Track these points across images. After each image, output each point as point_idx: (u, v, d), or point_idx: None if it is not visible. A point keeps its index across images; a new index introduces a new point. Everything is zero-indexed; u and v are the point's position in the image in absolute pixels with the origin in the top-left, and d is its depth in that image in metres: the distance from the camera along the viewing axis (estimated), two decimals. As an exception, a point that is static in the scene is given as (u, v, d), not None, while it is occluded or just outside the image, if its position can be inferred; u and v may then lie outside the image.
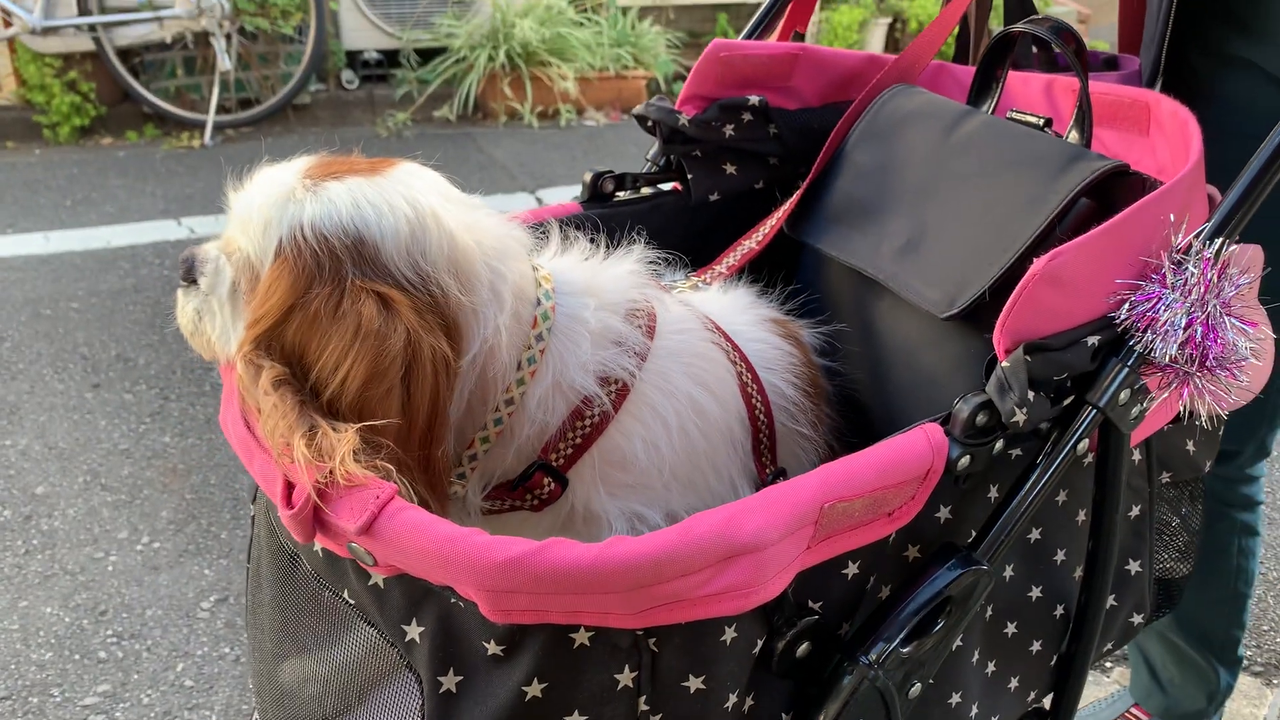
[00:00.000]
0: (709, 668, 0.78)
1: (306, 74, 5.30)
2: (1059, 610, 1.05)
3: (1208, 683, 1.61)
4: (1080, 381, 0.90)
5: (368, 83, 5.84)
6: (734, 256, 1.29)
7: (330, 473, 0.75)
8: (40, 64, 4.99)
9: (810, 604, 0.84)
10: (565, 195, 1.24)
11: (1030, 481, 0.90)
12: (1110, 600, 1.10)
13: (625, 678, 0.76)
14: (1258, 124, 0.99)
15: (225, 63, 5.04)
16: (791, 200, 1.28)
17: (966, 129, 1.14)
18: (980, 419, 0.84)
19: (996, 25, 1.30)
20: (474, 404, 0.95)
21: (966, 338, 1.06)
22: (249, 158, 0.96)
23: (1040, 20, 1.11)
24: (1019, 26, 1.13)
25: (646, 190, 1.36)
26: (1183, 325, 0.87)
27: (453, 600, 0.75)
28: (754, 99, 1.34)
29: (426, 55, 5.80)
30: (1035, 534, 1.00)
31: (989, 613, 0.99)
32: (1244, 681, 1.98)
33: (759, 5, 1.47)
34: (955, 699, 0.97)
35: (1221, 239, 0.90)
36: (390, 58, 5.86)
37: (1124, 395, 0.90)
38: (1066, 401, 0.90)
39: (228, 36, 5.11)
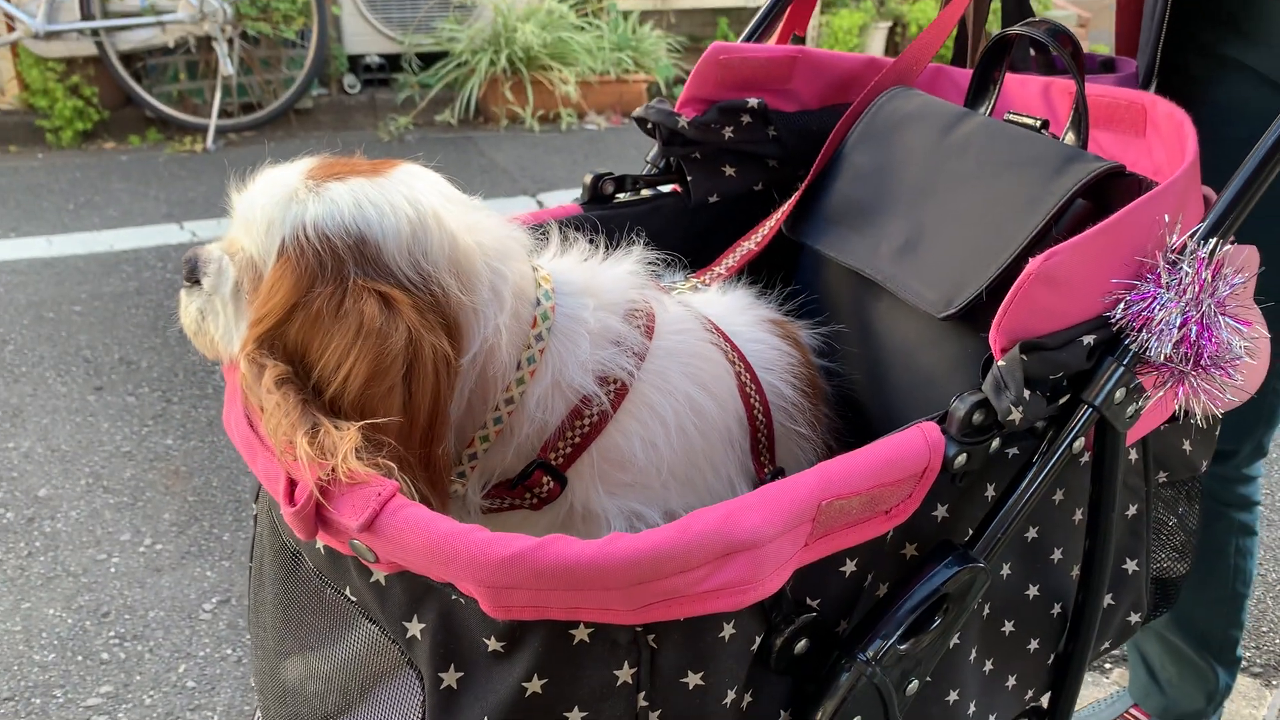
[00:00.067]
0: (707, 664, 0.78)
1: (308, 78, 5.31)
2: (1056, 609, 1.06)
3: (1206, 683, 1.61)
4: (1076, 380, 0.91)
5: (369, 87, 5.85)
6: (733, 258, 1.29)
7: (332, 470, 0.76)
8: (43, 68, 5.01)
9: (808, 601, 0.84)
10: (566, 199, 1.25)
11: (1027, 480, 0.91)
12: (1107, 599, 1.10)
13: (624, 674, 0.77)
14: (1252, 126, 0.99)
15: (227, 67, 5.06)
16: (790, 202, 1.28)
17: (964, 131, 1.15)
18: (977, 418, 0.85)
19: (995, 28, 1.31)
20: (474, 403, 0.96)
21: (964, 338, 1.07)
22: (251, 162, 0.97)
23: (1037, 23, 1.12)
24: (1016, 29, 1.13)
25: (646, 192, 1.37)
26: (1177, 324, 0.88)
27: (453, 597, 0.75)
28: (753, 101, 1.35)
29: (428, 59, 5.82)
30: (1032, 533, 1.01)
31: (986, 611, 1.00)
32: (1243, 682, 1.99)
33: (760, 9, 1.48)
34: (953, 697, 0.98)
35: (1216, 239, 0.91)
36: (392, 62, 5.87)
37: (1120, 394, 0.90)
38: (1062, 400, 0.91)
39: (230, 41, 5.13)
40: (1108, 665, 2.04)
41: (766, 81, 1.37)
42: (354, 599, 0.82)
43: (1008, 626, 1.02)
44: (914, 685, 0.88)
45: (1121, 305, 0.90)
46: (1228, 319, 0.89)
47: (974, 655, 1.00)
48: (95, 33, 4.94)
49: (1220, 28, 1.25)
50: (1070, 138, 1.10)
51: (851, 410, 1.22)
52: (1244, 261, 0.95)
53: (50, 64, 5.03)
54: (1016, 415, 0.84)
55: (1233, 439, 1.41)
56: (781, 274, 1.33)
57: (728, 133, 1.35)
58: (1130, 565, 1.13)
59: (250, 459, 0.85)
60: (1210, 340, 0.88)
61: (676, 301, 1.13)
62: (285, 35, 5.30)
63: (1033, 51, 1.41)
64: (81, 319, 3.38)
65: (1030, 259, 0.86)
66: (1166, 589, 1.23)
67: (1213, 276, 0.89)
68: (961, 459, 0.85)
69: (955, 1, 1.28)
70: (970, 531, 0.92)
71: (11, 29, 4.94)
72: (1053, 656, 1.09)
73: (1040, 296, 0.86)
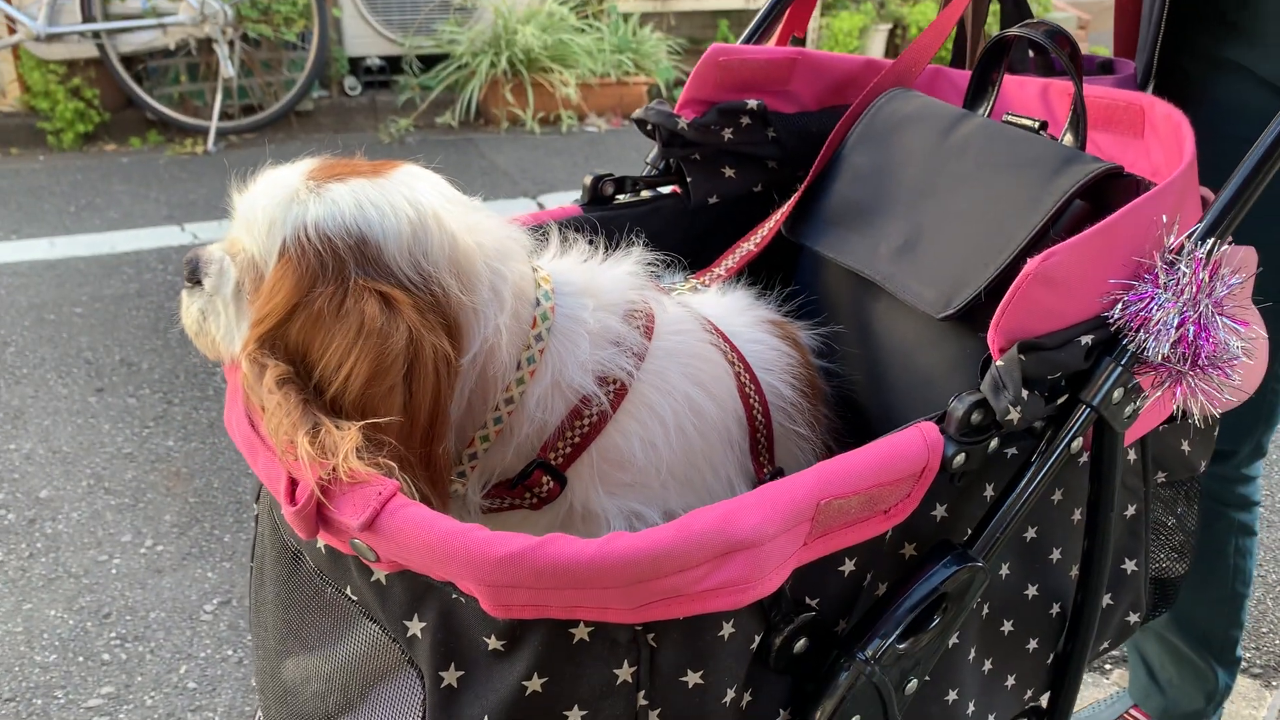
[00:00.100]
0: (707, 663, 0.79)
1: (309, 80, 5.32)
2: (1055, 609, 1.06)
3: (1206, 683, 1.61)
4: (1074, 380, 0.91)
5: (370, 89, 5.86)
6: (732, 259, 1.30)
7: (333, 470, 0.76)
8: (44, 70, 5.02)
9: (807, 600, 0.85)
10: (566, 200, 1.25)
11: (1025, 480, 0.91)
12: (1106, 599, 1.11)
13: (624, 673, 0.77)
14: (1249, 126, 1.00)
15: (228, 69, 5.07)
16: (789, 203, 1.29)
17: (963, 132, 1.15)
18: (975, 417, 0.85)
19: (994, 30, 1.31)
20: (474, 403, 0.96)
21: (963, 338, 1.07)
22: (252, 164, 0.98)
23: (1035, 24, 1.12)
24: (1014, 31, 1.14)
25: (646, 193, 1.38)
26: (1175, 324, 0.88)
27: (454, 596, 0.76)
28: (752, 103, 1.35)
29: (429, 62, 5.82)
30: (1031, 533, 1.01)
31: (985, 611, 1.00)
32: (1243, 683, 1.99)
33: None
34: (952, 696, 0.98)
35: (1213, 239, 0.91)
36: (393, 64, 5.88)
37: (1117, 394, 0.91)
38: (1061, 400, 0.91)
39: (231, 43, 5.14)
40: (1108, 666, 2.05)
41: (766, 83, 1.37)
42: (355, 598, 0.83)
43: (1007, 626, 1.03)
44: (913, 684, 0.88)
45: (1119, 305, 0.90)
46: (1225, 319, 0.90)
47: (973, 655, 1.00)
48: (96, 35, 4.95)
49: (1217, 29, 1.26)
50: (1068, 139, 1.11)
51: (851, 411, 1.22)
52: (1241, 262, 0.95)
53: (51, 66, 5.04)
54: (1014, 415, 0.85)
55: (1232, 439, 1.41)
56: (781, 275, 1.33)
57: (727, 134, 1.35)
58: (1129, 565, 1.13)
59: (251, 459, 0.85)
60: (1207, 340, 0.89)
61: (676, 302, 1.14)
62: (286, 37, 5.31)
63: (1031, 53, 1.41)
64: (83, 321, 3.39)
65: (1028, 259, 0.86)
66: (1165, 589, 1.24)
67: (1210, 277, 0.89)
68: (960, 459, 0.85)
69: (954, 3, 1.29)
70: (969, 531, 0.92)
71: (13, 31, 4.95)
72: (1052, 656, 1.09)
73: (1038, 296, 0.87)
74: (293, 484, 0.78)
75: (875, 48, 6.58)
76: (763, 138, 1.38)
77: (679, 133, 1.33)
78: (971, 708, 1.02)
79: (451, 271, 0.92)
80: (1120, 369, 0.90)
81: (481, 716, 0.76)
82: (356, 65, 5.82)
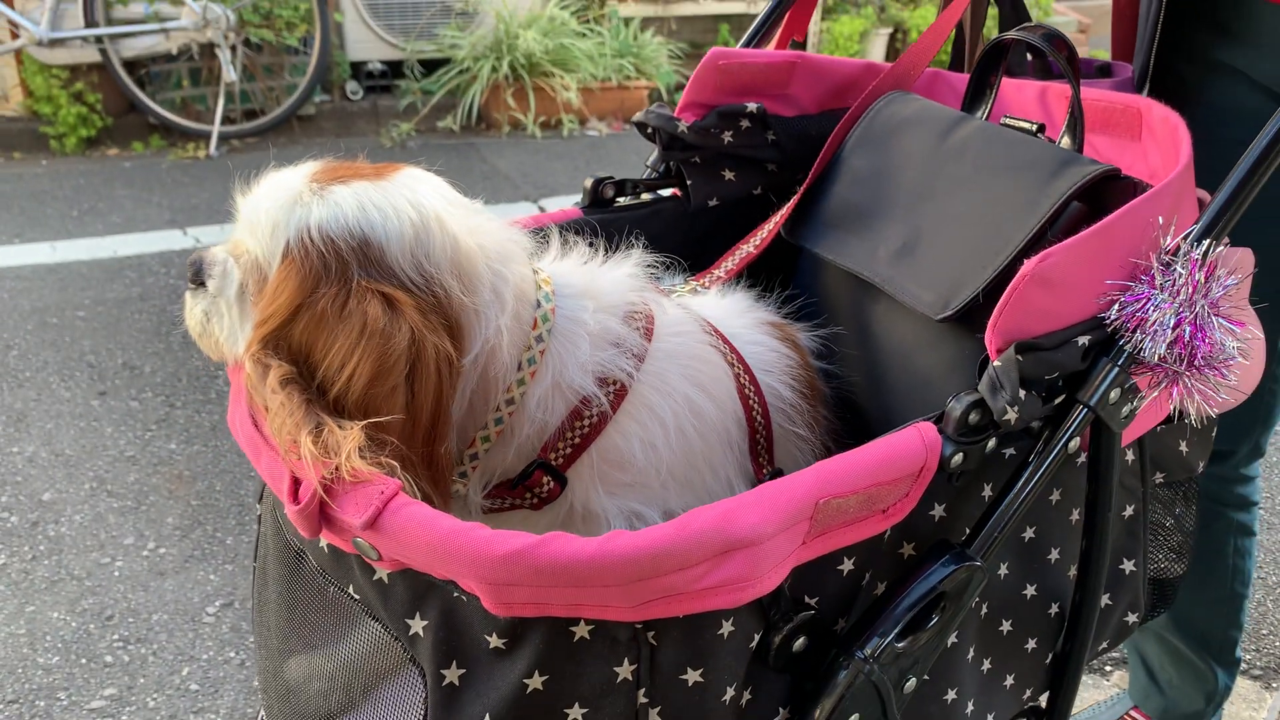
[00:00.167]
0: (707, 661, 0.79)
1: (311, 85, 5.33)
2: (1054, 608, 1.07)
3: (1205, 683, 1.62)
4: (1071, 380, 0.92)
5: (372, 93, 5.87)
6: (732, 261, 1.30)
7: (336, 469, 0.77)
8: (47, 75, 5.03)
9: (806, 599, 0.85)
10: (567, 204, 1.26)
11: (1023, 479, 0.92)
12: (1105, 599, 1.11)
13: (625, 670, 0.77)
14: (1243, 129, 1.00)
15: (230, 74, 5.08)
16: (789, 205, 1.29)
17: (961, 135, 1.16)
18: (973, 417, 0.86)
19: (992, 34, 1.32)
20: (475, 403, 0.97)
21: (961, 339, 1.08)
22: (254, 168, 0.98)
23: (1033, 28, 1.13)
24: (1012, 34, 1.14)
25: (646, 196, 1.39)
26: (1171, 325, 0.89)
27: (455, 594, 0.76)
28: (752, 106, 1.36)
29: (430, 66, 5.84)
30: (1029, 533, 1.01)
31: (984, 610, 1.00)
32: (1243, 685, 1.99)
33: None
34: (951, 695, 0.99)
35: (1209, 240, 0.92)
36: (394, 69, 5.89)
37: (1114, 394, 0.91)
38: (1058, 400, 0.92)
39: (233, 48, 5.15)
40: (1108, 668, 2.05)
41: (765, 86, 1.38)
42: (357, 597, 0.83)
43: (1005, 626, 1.03)
44: (912, 683, 0.88)
45: (1116, 306, 0.91)
46: (1221, 320, 0.90)
47: (972, 654, 1.01)
48: (99, 40, 4.96)
49: (1211, 32, 1.26)
50: (1066, 141, 1.11)
51: (850, 412, 1.23)
52: (1237, 263, 0.96)
53: (54, 71, 5.05)
54: (1012, 415, 0.85)
55: (1230, 439, 1.42)
56: (780, 277, 1.34)
57: (727, 137, 1.36)
58: (1127, 565, 1.13)
59: (255, 458, 0.86)
60: (1204, 341, 0.89)
61: (676, 304, 1.14)
62: (288, 42, 5.32)
63: (1030, 56, 1.42)
64: (85, 324, 3.40)
65: (1026, 260, 0.87)
66: (1164, 589, 1.24)
67: (1206, 278, 0.90)
68: (958, 458, 0.86)
69: (952, 6, 1.30)
70: (967, 531, 0.92)
71: (16, 36, 4.96)
72: (1050, 656, 1.09)
73: (1035, 297, 0.87)
74: (296, 483, 0.79)
75: (876, 52, 6.59)
76: (762, 141, 1.39)
77: (679, 136, 1.34)
78: (970, 707, 1.02)
79: (453, 273, 0.93)
80: (1117, 369, 0.91)
81: (483, 714, 0.77)
82: (358, 70, 5.83)
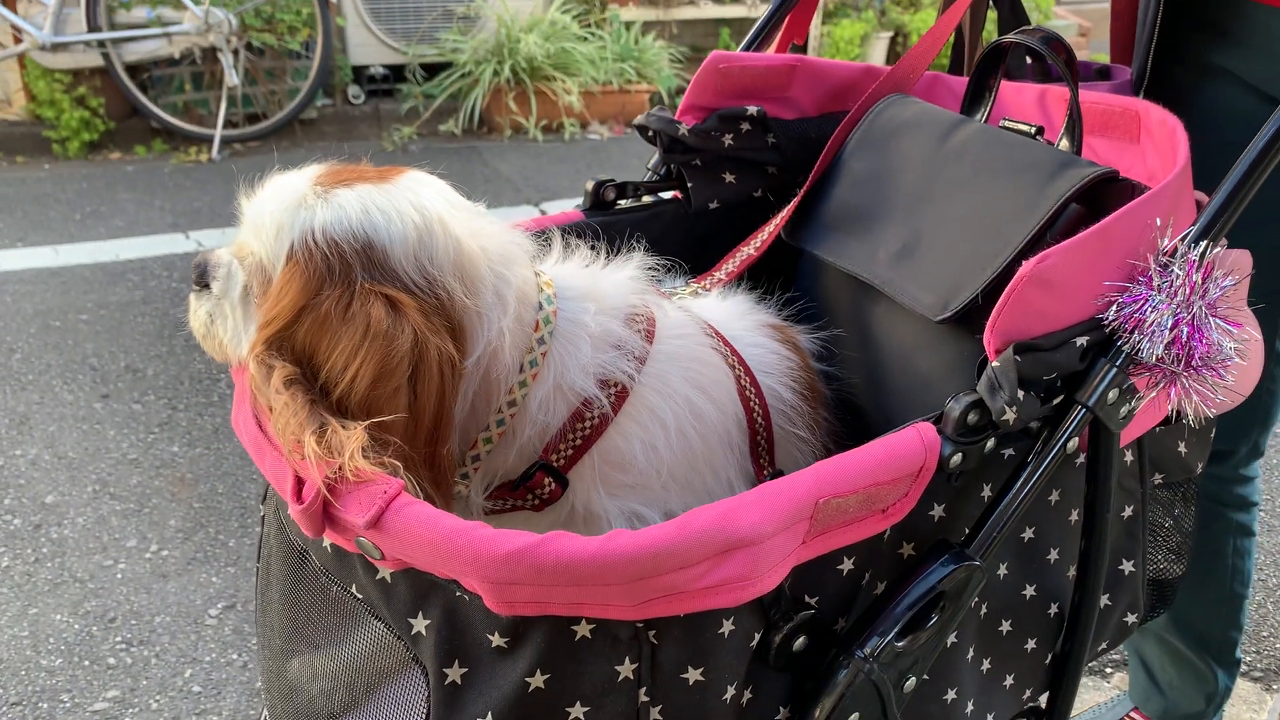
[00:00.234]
0: (707, 660, 0.79)
1: (313, 89, 5.35)
2: (1053, 609, 1.07)
3: (1206, 684, 1.62)
4: (1070, 381, 0.92)
5: (374, 97, 5.89)
6: (733, 263, 1.31)
7: (339, 468, 0.77)
8: (50, 79, 5.05)
9: (806, 599, 0.86)
10: (569, 207, 1.27)
11: (1022, 480, 0.92)
12: (1104, 600, 1.11)
13: (626, 669, 0.78)
14: (1238, 131, 1.01)
15: (233, 78, 5.09)
16: (789, 207, 1.30)
17: (960, 137, 1.16)
18: (971, 418, 0.86)
19: (992, 37, 1.33)
20: (478, 404, 0.98)
21: (960, 341, 1.08)
22: (256, 172, 0.99)
23: (1032, 31, 1.14)
24: (1010, 37, 1.15)
25: (647, 198, 1.39)
26: (1169, 326, 0.89)
27: (458, 593, 0.77)
28: (752, 109, 1.37)
29: (432, 70, 5.85)
30: (1029, 533, 1.02)
31: (984, 610, 1.01)
32: (1244, 687, 1.99)
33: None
34: (951, 695, 0.99)
35: (1206, 242, 0.92)
36: (396, 73, 5.91)
37: (1112, 394, 0.92)
38: (1056, 401, 0.92)
39: (235, 52, 5.16)
40: (1108, 669, 2.05)
41: (766, 89, 1.39)
42: (360, 596, 0.84)
43: (1005, 626, 1.03)
44: (911, 683, 0.89)
45: (1114, 307, 0.91)
46: (1218, 320, 0.91)
47: (971, 654, 1.01)
48: (102, 44, 4.98)
49: (1204, 33, 1.27)
50: (1065, 144, 1.12)
51: (850, 413, 1.23)
52: (1235, 264, 0.96)
53: (57, 75, 5.07)
54: (1010, 415, 0.86)
55: (1229, 440, 1.42)
56: (781, 279, 1.34)
57: (727, 140, 1.37)
58: (1126, 566, 1.14)
59: (258, 458, 0.87)
60: (1201, 341, 0.90)
61: (677, 306, 1.15)
62: (290, 46, 5.34)
63: (1029, 60, 1.42)
64: (88, 328, 3.41)
65: (1024, 262, 0.87)
66: (1163, 590, 1.24)
67: (1203, 279, 0.90)
68: (957, 459, 0.86)
69: (951, 10, 1.30)
70: (966, 531, 0.93)
71: (19, 40, 4.98)
72: (1050, 656, 1.10)
73: (1034, 298, 0.88)
74: (299, 483, 0.79)
75: (877, 55, 6.60)
76: (763, 143, 1.39)
77: (680, 139, 1.34)
78: (970, 707, 1.02)
79: (456, 275, 0.94)
80: (1115, 370, 0.91)
81: (485, 713, 0.77)
82: (360, 74, 5.85)
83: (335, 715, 0.89)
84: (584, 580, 0.72)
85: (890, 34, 6.68)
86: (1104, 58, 1.46)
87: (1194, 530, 1.23)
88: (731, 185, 1.41)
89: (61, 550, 2.34)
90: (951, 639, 0.96)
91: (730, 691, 0.82)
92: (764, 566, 0.76)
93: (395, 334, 0.87)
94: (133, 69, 5.15)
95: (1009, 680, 1.07)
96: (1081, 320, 0.92)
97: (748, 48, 1.47)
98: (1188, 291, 0.90)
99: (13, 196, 4.59)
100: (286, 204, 0.92)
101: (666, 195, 1.41)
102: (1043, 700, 1.13)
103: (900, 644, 0.86)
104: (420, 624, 0.79)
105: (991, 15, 1.51)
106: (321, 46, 5.28)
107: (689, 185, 1.39)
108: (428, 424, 0.88)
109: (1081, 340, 0.90)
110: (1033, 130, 1.14)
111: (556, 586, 0.72)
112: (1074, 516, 1.04)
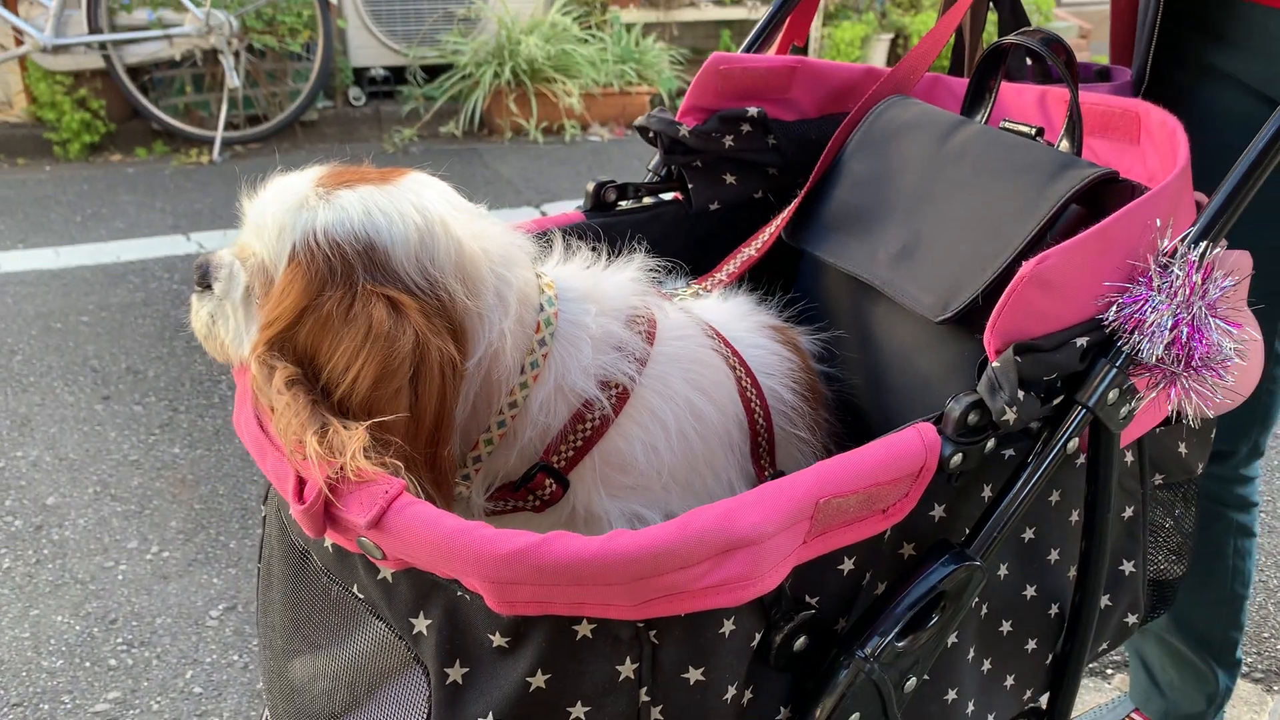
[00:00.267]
0: (708, 659, 0.80)
1: (314, 91, 5.35)
2: (1054, 609, 1.07)
3: (1206, 685, 1.62)
4: (1070, 381, 0.92)
5: (374, 99, 5.89)
6: (733, 264, 1.31)
7: (341, 469, 0.78)
8: (51, 81, 5.05)
9: (807, 599, 0.86)
10: (569, 209, 1.27)
11: (1022, 480, 0.92)
12: (1105, 600, 1.11)
13: (627, 669, 0.78)
14: (1236, 133, 1.01)
15: (234, 80, 5.10)
16: (790, 209, 1.30)
17: (960, 138, 1.17)
18: (972, 418, 0.87)
19: (992, 38, 1.33)
20: (479, 406, 0.98)
21: (961, 341, 1.09)
22: (257, 174, 0.99)
23: (1031, 32, 1.14)
24: (1011, 38, 1.15)
25: (648, 200, 1.39)
26: (1169, 326, 0.89)
27: (459, 593, 0.77)
28: (753, 110, 1.37)
29: (433, 72, 5.85)
30: (1029, 533, 1.02)
31: (984, 611, 1.01)
32: (1244, 688, 1.99)
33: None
34: (951, 695, 0.99)
35: (1206, 242, 0.92)
36: (397, 75, 5.91)
37: (1112, 395, 0.92)
38: (1057, 401, 0.92)
39: (236, 54, 5.17)
40: (1109, 670, 2.05)
41: (766, 91, 1.39)
42: (361, 596, 0.84)
43: (1005, 626, 1.04)
44: (912, 683, 0.89)
45: (1114, 308, 0.91)
46: (1218, 321, 0.91)
47: (972, 654, 1.01)
48: (103, 46, 4.98)
49: (1203, 35, 1.27)
50: (1065, 145, 1.12)
51: (851, 414, 1.23)
52: (1234, 265, 0.96)
53: (58, 77, 5.07)
54: (1011, 415, 0.86)
55: (1229, 440, 1.43)
56: (781, 280, 1.34)
57: (728, 141, 1.37)
58: (1127, 567, 1.14)
59: (260, 459, 0.87)
60: (1201, 342, 0.90)
61: (677, 307, 1.15)
62: (291, 48, 5.34)
63: (1029, 61, 1.43)
64: (89, 329, 3.41)
65: (1024, 262, 0.87)
66: (1164, 590, 1.24)
67: (1203, 279, 0.90)
68: (957, 459, 0.87)
69: (951, 11, 1.30)
70: (967, 531, 0.93)
71: (20, 43, 4.99)
72: (1050, 656, 1.10)
73: (1034, 299, 0.88)
74: (301, 483, 0.80)
75: (877, 57, 6.60)
76: (763, 145, 1.40)
77: (680, 140, 1.34)
78: (971, 707, 1.02)
79: (457, 277, 0.94)
80: (1115, 370, 0.91)
81: (486, 713, 0.78)
82: (361, 76, 5.85)
83: (336, 715, 0.90)
84: (585, 580, 0.72)
85: (891, 36, 6.69)
86: (1104, 59, 1.46)
87: (1194, 531, 1.24)
88: (732, 186, 1.41)
89: (62, 552, 2.34)
90: (952, 639, 0.96)
91: (731, 691, 0.82)
92: (765, 566, 0.76)
93: (397, 335, 0.87)
94: (134, 71, 5.15)
95: (1009, 681, 1.07)
96: (1081, 321, 0.92)
97: (748, 49, 1.47)
98: (1188, 292, 0.90)
99: (14, 198, 4.59)
100: (288, 205, 0.93)
101: (667, 197, 1.41)
102: (1043, 701, 1.13)
103: (901, 644, 0.86)
104: (421, 624, 0.79)
105: (992, 17, 1.51)
106: (322, 48, 5.29)
107: (689, 186, 1.39)
108: (429, 425, 0.89)
109: (1081, 341, 0.90)
110: (1033, 131, 1.14)
111: (557, 586, 0.72)
112: (1074, 517, 1.05)
